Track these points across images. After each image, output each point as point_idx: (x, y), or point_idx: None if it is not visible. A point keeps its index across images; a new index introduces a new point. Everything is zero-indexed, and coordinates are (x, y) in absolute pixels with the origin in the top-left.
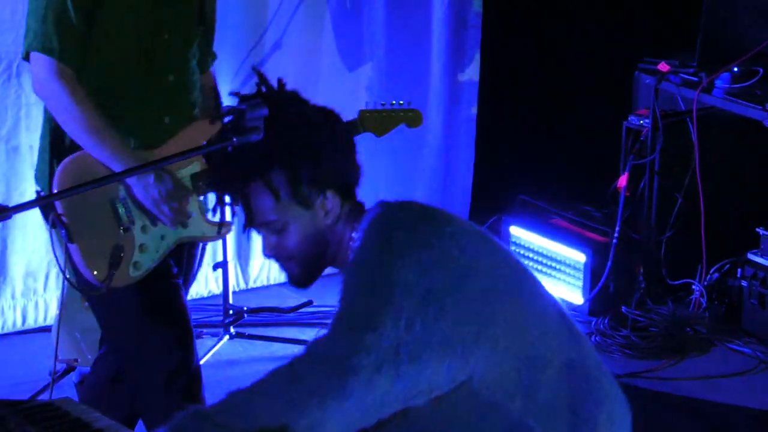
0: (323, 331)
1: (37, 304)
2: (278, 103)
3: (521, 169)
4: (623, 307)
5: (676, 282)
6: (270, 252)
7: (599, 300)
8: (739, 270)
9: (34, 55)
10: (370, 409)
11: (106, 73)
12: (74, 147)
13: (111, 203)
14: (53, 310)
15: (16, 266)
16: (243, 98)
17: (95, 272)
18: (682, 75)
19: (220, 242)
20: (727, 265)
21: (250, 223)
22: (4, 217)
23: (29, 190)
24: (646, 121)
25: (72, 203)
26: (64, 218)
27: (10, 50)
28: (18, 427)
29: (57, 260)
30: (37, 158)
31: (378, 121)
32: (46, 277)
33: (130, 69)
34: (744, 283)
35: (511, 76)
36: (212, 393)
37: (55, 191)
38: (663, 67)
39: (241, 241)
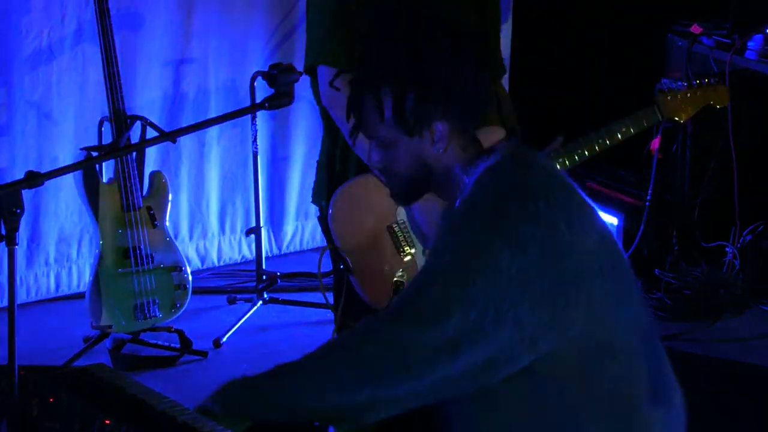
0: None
1: (70, 270)
2: (386, 17)
3: (554, 133)
4: (657, 269)
5: (710, 244)
6: (373, 164)
7: (633, 263)
8: None
9: (321, 68)
10: (421, 395)
11: None
12: (345, 169)
13: (389, 229)
14: (87, 277)
15: (50, 233)
16: (275, 65)
17: (376, 300)
18: (714, 37)
19: (253, 208)
20: (761, 227)
21: (357, 130)
22: (37, 184)
23: (61, 156)
24: (680, 84)
25: (348, 234)
26: (341, 251)
27: (42, 17)
28: (51, 393)
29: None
30: (315, 175)
31: (679, 105)
32: (79, 243)
33: None
34: None
35: (543, 40)
36: (246, 358)
37: (331, 216)
38: (695, 29)
39: (274, 206)
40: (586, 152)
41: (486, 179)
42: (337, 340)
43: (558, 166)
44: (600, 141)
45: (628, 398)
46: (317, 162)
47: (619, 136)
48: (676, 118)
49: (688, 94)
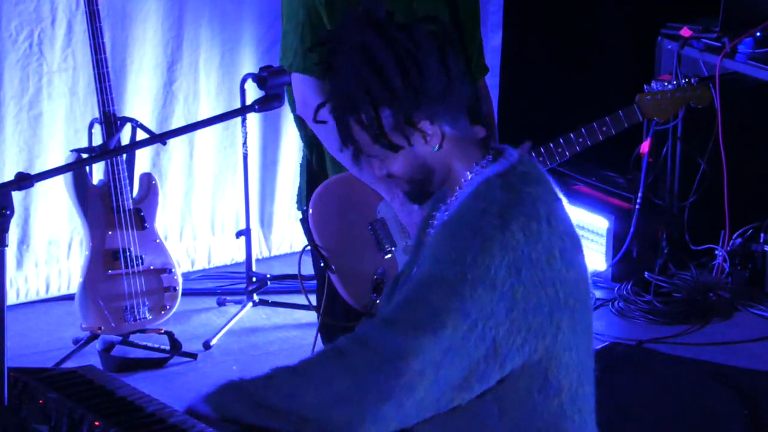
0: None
1: (60, 272)
2: (339, 40)
3: (542, 136)
4: (646, 272)
5: (699, 247)
6: (381, 177)
7: (622, 266)
8: (762, 235)
9: (296, 75)
10: (411, 410)
11: None
12: (323, 172)
13: (369, 227)
14: (76, 278)
15: (40, 234)
16: (265, 68)
17: (356, 299)
18: (704, 40)
19: (243, 210)
20: (750, 230)
21: (359, 155)
22: (26, 185)
23: (51, 158)
24: (661, 85)
25: (328, 233)
26: (321, 249)
27: (32, 18)
28: (41, 394)
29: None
30: (299, 181)
31: (660, 104)
32: (69, 245)
33: None
34: (767, 248)
35: (533, 42)
36: (236, 360)
37: (311, 216)
38: (685, 32)
39: (264, 208)
40: (567, 152)
41: (495, 188)
42: (334, 346)
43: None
44: (581, 140)
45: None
46: (299, 170)
47: (600, 136)
48: (657, 118)
49: (668, 95)
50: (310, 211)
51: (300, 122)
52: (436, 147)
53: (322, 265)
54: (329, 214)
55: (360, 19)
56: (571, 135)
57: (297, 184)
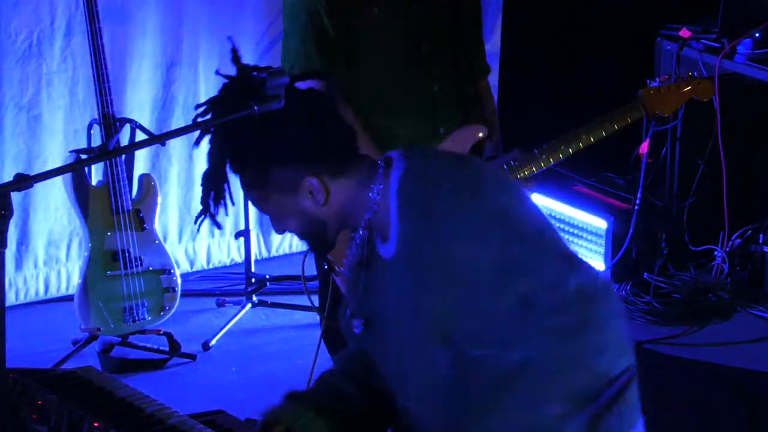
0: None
1: (59, 273)
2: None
3: (542, 137)
4: (645, 273)
5: (699, 248)
6: (280, 232)
7: (621, 266)
8: (761, 236)
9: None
10: None
11: (371, 84)
12: None
13: None
14: (76, 279)
15: (39, 235)
16: (263, 68)
17: None
18: (704, 41)
19: (242, 211)
20: (750, 231)
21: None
22: (26, 187)
23: (50, 159)
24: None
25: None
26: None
27: (32, 19)
28: (40, 395)
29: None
30: None
31: (664, 98)
32: (68, 246)
33: (395, 79)
34: (766, 249)
35: (532, 43)
36: (235, 361)
37: None
38: (685, 33)
39: None
40: (570, 149)
41: (428, 180)
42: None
43: (543, 165)
44: (584, 137)
45: None
46: None
47: (603, 132)
48: (659, 113)
49: (671, 89)
50: None
51: None
52: (322, 201)
53: (326, 267)
54: None
55: (234, 89)
56: (574, 132)
57: None
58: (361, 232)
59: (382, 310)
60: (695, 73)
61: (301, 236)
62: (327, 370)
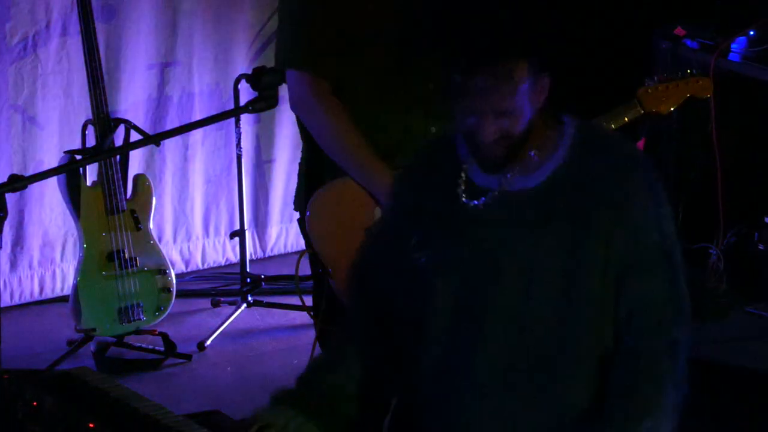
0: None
1: (54, 273)
2: None
3: None
4: None
5: (694, 246)
6: (493, 136)
7: None
8: (756, 234)
9: (290, 72)
10: None
11: (365, 83)
12: (322, 174)
13: (369, 231)
14: (71, 280)
15: (34, 236)
16: (258, 68)
17: None
18: (698, 39)
19: (237, 211)
20: (745, 229)
21: (484, 107)
22: (20, 187)
23: (45, 160)
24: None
25: (326, 237)
26: (321, 256)
27: (27, 20)
28: (35, 396)
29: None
30: (297, 183)
31: (661, 96)
32: (63, 247)
33: (389, 78)
34: (761, 247)
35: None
36: (231, 361)
37: (308, 219)
38: (679, 31)
39: (258, 209)
40: None
41: (598, 139)
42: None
43: None
44: None
45: None
46: (298, 171)
47: None
48: (656, 110)
49: (669, 87)
50: (307, 214)
51: (300, 120)
52: (541, 104)
53: (321, 272)
54: (326, 218)
55: None
56: None
57: (289, 186)
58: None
59: (490, 245)
60: (693, 71)
61: (515, 136)
62: (314, 365)
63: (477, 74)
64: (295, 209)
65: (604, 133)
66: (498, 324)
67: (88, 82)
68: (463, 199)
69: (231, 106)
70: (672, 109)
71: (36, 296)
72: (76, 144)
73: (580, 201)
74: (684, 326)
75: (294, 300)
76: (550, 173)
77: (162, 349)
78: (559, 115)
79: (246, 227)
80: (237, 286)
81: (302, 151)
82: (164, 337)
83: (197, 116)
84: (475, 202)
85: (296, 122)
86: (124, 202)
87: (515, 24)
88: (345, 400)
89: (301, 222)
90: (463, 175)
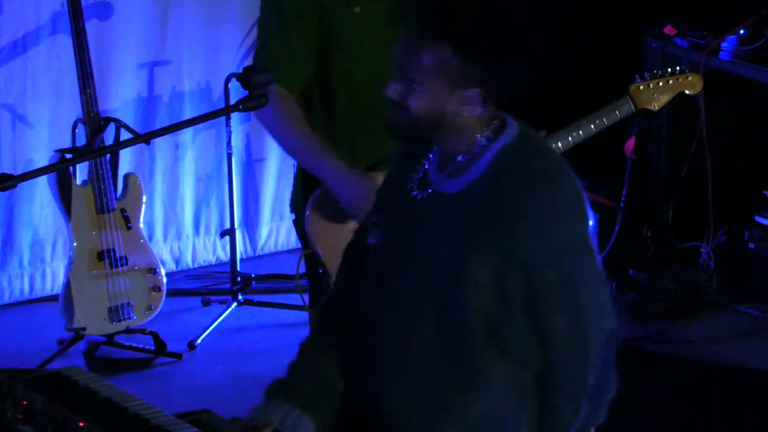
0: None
1: (44, 272)
2: None
3: None
4: (631, 270)
5: (684, 245)
6: (392, 95)
7: (607, 264)
8: (746, 232)
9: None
10: None
11: (349, 77)
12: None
13: None
14: (61, 279)
15: (24, 235)
16: (249, 67)
17: None
18: (688, 38)
19: (227, 209)
20: (735, 228)
21: (398, 65)
22: (9, 186)
23: (35, 158)
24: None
25: (325, 237)
26: (320, 256)
27: (17, 19)
28: (25, 396)
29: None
30: (293, 184)
31: (653, 92)
32: (54, 246)
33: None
34: (751, 245)
35: None
36: (221, 360)
37: (307, 219)
38: (669, 30)
39: (248, 208)
40: (560, 145)
41: (525, 154)
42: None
43: None
44: (574, 134)
45: None
46: (294, 173)
47: (593, 128)
48: (649, 107)
49: (660, 83)
50: (306, 213)
51: None
52: (461, 112)
53: (321, 272)
54: (325, 218)
55: None
56: (563, 129)
57: (280, 185)
58: (433, 158)
59: (414, 231)
60: (684, 67)
61: (409, 114)
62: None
63: (408, 35)
64: (292, 211)
65: (533, 146)
66: (399, 304)
67: (78, 81)
68: (413, 190)
69: (221, 104)
70: (662, 105)
71: (26, 295)
72: (67, 143)
73: (488, 216)
74: (596, 340)
75: (285, 298)
76: (470, 182)
77: (152, 348)
78: (503, 122)
79: (236, 226)
80: (227, 285)
81: None
82: (154, 336)
83: (187, 115)
84: (415, 193)
85: None
86: (115, 201)
87: (459, 7)
88: (337, 382)
89: (299, 222)
90: (425, 165)
